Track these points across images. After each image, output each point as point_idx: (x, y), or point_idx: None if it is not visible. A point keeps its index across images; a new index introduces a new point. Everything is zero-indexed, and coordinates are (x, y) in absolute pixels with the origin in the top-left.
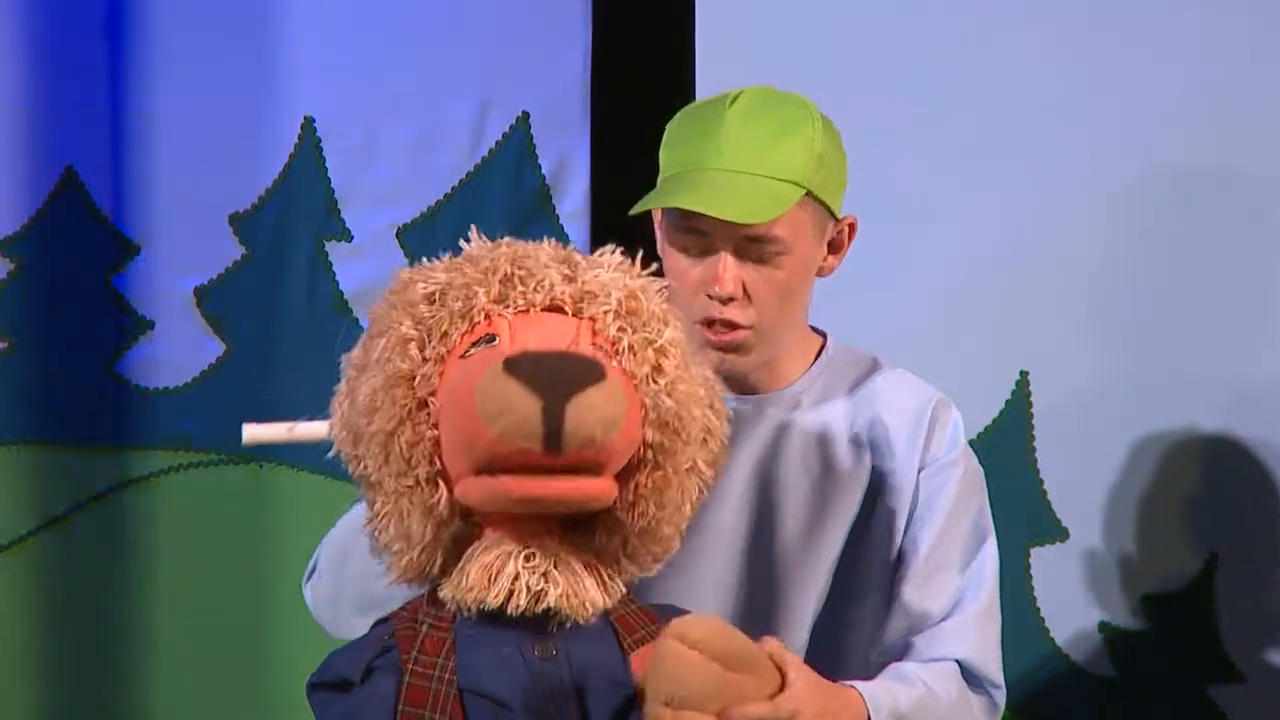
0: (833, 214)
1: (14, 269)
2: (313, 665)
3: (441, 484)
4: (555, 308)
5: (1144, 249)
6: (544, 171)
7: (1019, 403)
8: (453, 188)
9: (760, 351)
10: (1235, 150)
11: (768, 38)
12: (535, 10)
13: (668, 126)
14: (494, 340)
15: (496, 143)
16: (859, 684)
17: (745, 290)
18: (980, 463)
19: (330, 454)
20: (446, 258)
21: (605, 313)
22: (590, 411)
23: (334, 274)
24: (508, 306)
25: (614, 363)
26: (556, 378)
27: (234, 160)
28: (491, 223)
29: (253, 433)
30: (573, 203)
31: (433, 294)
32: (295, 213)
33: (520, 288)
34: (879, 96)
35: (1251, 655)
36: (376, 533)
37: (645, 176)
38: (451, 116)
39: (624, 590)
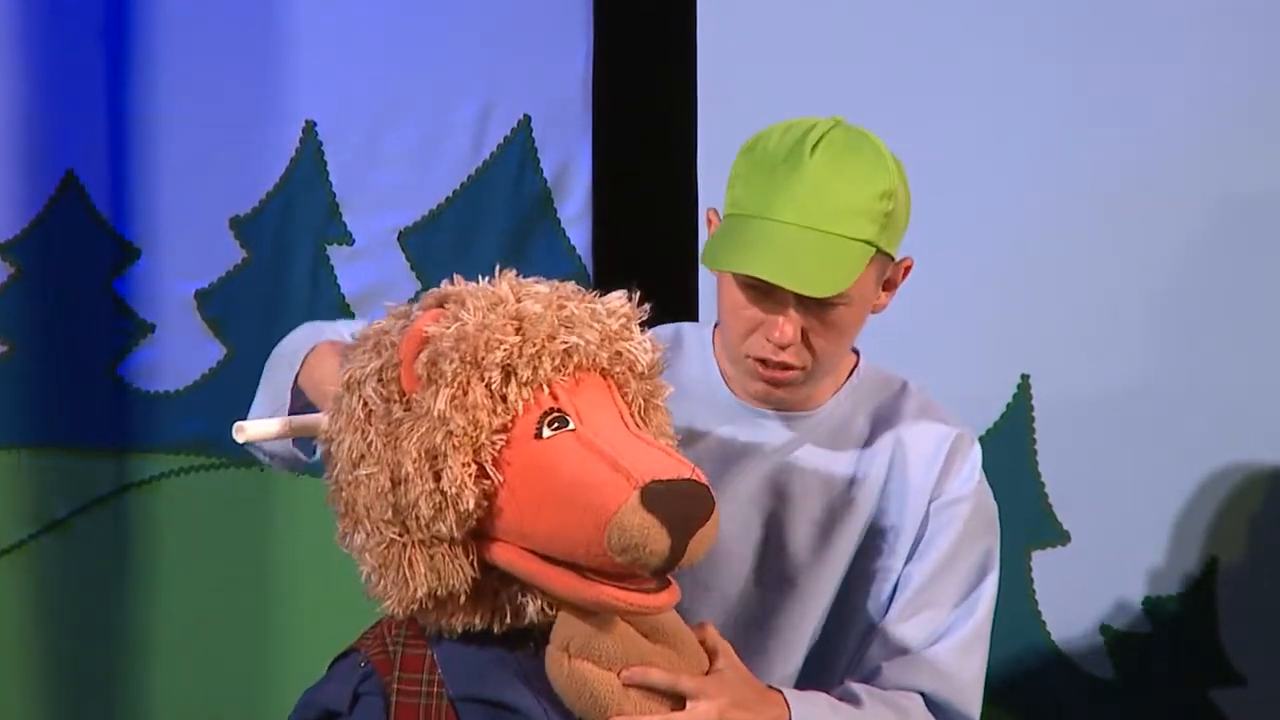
0: (892, 258)
1: (15, 272)
2: (315, 668)
3: (473, 546)
4: (589, 367)
5: (1145, 252)
6: (545, 175)
7: (1020, 406)
8: (454, 191)
9: (807, 387)
10: (1238, 155)
11: (770, 42)
12: (537, 14)
13: (740, 153)
14: (567, 423)
15: (498, 146)
16: (788, 690)
17: (804, 336)
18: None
19: (330, 477)
20: (490, 302)
21: (626, 373)
22: (702, 545)
23: (335, 277)
24: (563, 374)
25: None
26: (687, 516)
27: (235, 164)
28: (493, 226)
29: (248, 432)
30: (574, 206)
31: (502, 361)
32: (296, 216)
33: (575, 358)
34: (881, 99)
35: (1252, 658)
36: (380, 567)
37: (647, 181)
38: (453, 120)
39: None
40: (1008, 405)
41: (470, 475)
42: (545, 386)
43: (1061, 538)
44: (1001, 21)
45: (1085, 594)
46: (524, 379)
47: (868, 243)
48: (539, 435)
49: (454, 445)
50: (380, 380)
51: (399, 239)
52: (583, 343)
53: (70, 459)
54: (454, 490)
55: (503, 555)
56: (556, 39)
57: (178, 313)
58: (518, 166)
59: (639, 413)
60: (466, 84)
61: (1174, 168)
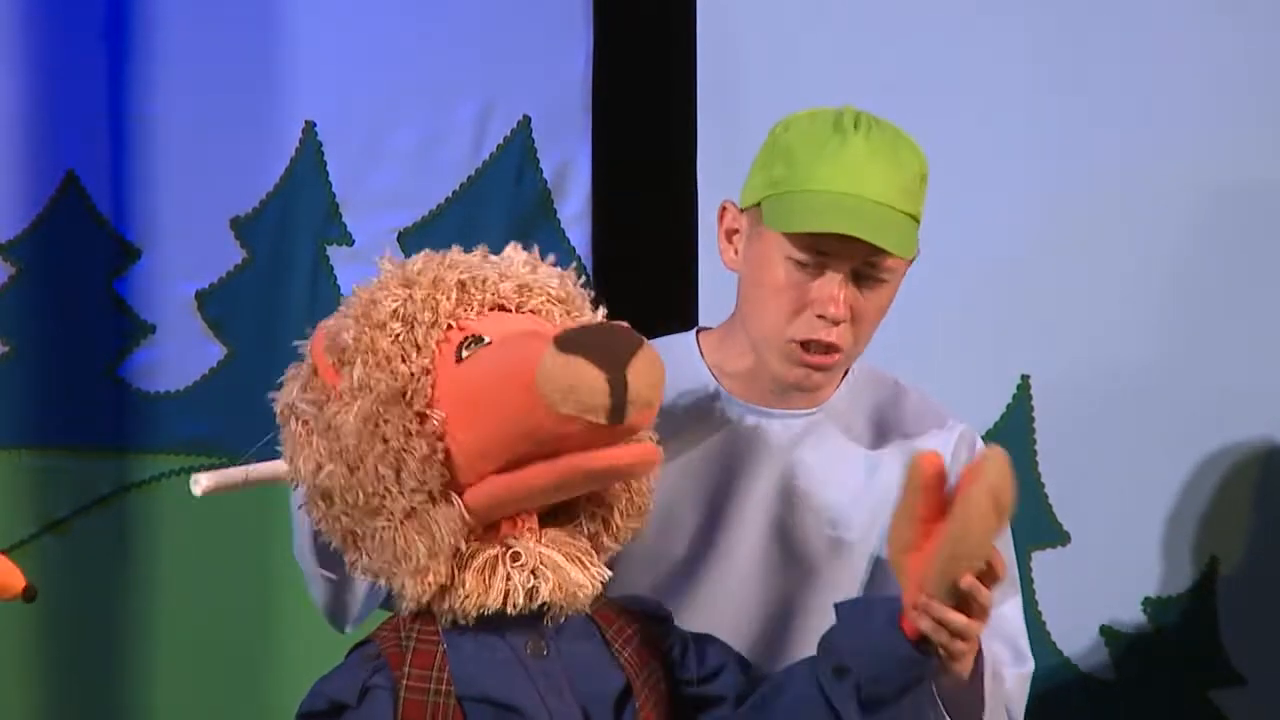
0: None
1: (15, 273)
2: (316, 669)
3: (454, 494)
4: (499, 306)
5: (1146, 252)
6: (545, 175)
7: (1020, 406)
8: (454, 191)
9: (835, 373)
10: (1241, 153)
11: (769, 43)
12: (537, 14)
13: (769, 141)
14: (484, 340)
15: (498, 146)
16: None
17: (851, 314)
18: None
19: (301, 500)
20: (375, 280)
21: (545, 303)
22: (645, 376)
23: (335, 278)
24: (467, 310)
25: None
26: (610, 347)
27: (235, 164)
28: (492, 227)
29: (205, 484)
30: (574, 207)
31: (398, 310)
32: (296, 216)
33: (473, 290)
34: (880, 98)
35: (1252, 658)
36: (387, 561)
37: (646, 181)
38: (453, 120)
39: (605, 575)
40: (1008, 405)
41: (411, 423)
42: (452, 323)
43: (1061, 538)
44: (1000, 22)
45: (1085, 594)
46: (427, 321)
47: (914, 217)
48: (459, 360)
49: (384, 402)
50: (306, 392)
51: (399, 239)
52: (475, 275)
53: (70, 459)
54: (401, 442)
55: (480, 494)
56: (556, 40)
57: (178, 313)
58: (517, 167)
59: None
60: (466, 84)
61: (1175, 166)
